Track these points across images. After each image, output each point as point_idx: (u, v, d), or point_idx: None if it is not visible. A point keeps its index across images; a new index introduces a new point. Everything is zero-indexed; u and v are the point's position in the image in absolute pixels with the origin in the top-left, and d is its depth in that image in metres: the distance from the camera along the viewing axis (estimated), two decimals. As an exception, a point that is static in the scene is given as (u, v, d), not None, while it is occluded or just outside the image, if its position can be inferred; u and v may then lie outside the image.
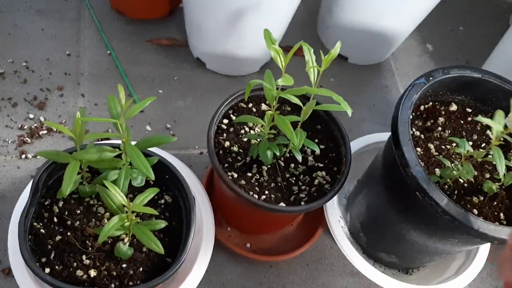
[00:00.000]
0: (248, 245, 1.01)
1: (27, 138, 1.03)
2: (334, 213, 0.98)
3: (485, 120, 0.71)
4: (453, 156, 0.84)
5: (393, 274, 1.03)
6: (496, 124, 0.72)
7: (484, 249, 0.99)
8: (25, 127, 1.05)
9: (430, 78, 0.85)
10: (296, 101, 0.72)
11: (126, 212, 0.66)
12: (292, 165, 0.87)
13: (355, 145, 1.08)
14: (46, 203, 0.75)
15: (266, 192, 0.83)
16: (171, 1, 1.26)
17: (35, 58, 1.16)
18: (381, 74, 1.35)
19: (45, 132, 1.05)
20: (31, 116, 1.06)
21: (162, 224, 0.70)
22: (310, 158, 0.88)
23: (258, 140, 0.84)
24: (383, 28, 1.22)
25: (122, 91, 0.62)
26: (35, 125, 1.05)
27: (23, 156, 1.01)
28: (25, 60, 1.15)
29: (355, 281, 1.03)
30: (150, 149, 0.84)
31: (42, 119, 1.06)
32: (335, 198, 1.07)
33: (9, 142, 1.03)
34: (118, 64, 1.18)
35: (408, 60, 1.40)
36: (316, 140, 0.90)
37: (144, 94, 1.16)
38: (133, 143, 0.69)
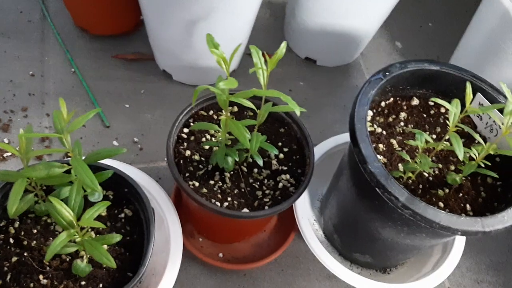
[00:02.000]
0: (221, 254, 1.00)
1: (-9, 161, 1.02)
2: (305, 216, 0.97)
3: (442, 102, 0.71)
4: (416, 150, 0.83)
5: (371, 275, 1.02)
6: (454, 107, 0.72)
7: (460, 242, 0.98)
8: (-11, 150, 1.04)
9: (387, 74, 0.84)
10: (248, 104, 0.71)
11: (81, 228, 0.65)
12: (256, 170, 0.86)
13: (325, 146, 1.07)
14: (1, 225, 0.74)
15: (229, 199, 0.82)
16: (135, 16, 1.26)
17: (-2, 80, 1.15)
18: (351, 74, 1.35)
19: (9, 154, 1.03)
20: (-4, 140, 1.06)
21: (117, 237, 0.68)
22: (274, 161, 0.87)
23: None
24: (348, 28, 1.22)
25: (63, 104, 0.61)
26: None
27: (-13, 179, 1.00)
28: (-12, 83, 1.14)
29: (332, 284, 1.01)
30: (120, 165, 0.84)
31: (6, 141, 1.05)
32: (307, 201, 1.06)
33: (-27, 166, 1.02)
34: (83, 81, 1.17)
35: (377, 59, 1.40)
36: (280, 144, 0.89)
37: (110, 110, 1.15)
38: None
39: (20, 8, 1.28)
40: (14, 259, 0.71)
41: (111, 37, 1.27)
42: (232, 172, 0.84)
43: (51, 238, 0.74)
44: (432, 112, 0.90)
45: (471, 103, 0.73)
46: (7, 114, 1.10)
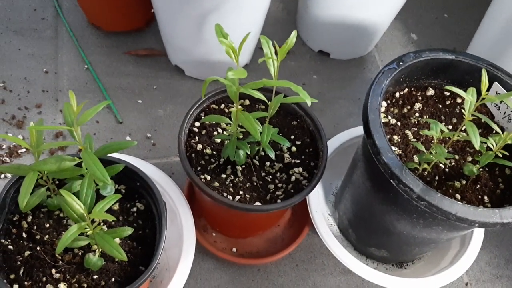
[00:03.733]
0: (235, 249, 0.99)
1: (5, 158, 1.03)
2: (319, 210, 0.96)
3: (457, 90, 0.70)
4: (432, 141, 0.82)
5: (387, 269, 1.00)
6: (469, 96, 0.70)
7: (478, 235, 0.96)
8: (4, 146, 1.05)
9: (401, 63, 0.82)
10: (259, 95, 0.70)
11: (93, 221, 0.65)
12: (268, 163, 0.85)
13: (339, 139, 1.06)
14: (14, 219, 0.74)
15: (241, 192, 0.81)
16: (147, 12, 1.26)
17: (12, 78, 1.16)
18: (365, 67, 1.33)
19: (23, 150, 1.04)
20: (10, 135, 1.06)
21: (129, 231, 0.68)
22: (287, 155, 0.86)
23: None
24: (361, 20, 1.20)
25: (73, 97, 0.61)
26: (14, 144, 1.05)
27: (3, 175, 1.01)
28: (3, 81, 1.15)
29: (347, 279, 1.00)
30: (133, 160, 0.85)
31: (20, 137, 1.06)
32: (322, 195, 1.05)
33: (-12, 162, 1.03)
34: (96, 77, 1.18)
35: (392, 51, 1.38)
36: (292, 137, 0.88)
37: (123, 106, 1.15)
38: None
39: (34, 6, 1.29)
40: (27, 253, 0.71)
41: (123, 33, 1.27)
42: (244, 166, 0.83)
43: (63, 232, 0.73)
44: (448, 102, 0.88)
45: (487, 91, 0.71)
46: (21, 111, 1.11)
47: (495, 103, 0.85)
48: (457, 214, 0.68)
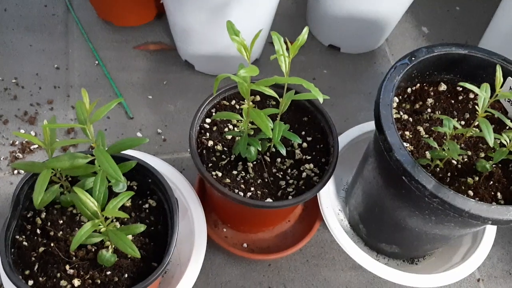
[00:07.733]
0: (245, 244, 1.00)
1: (18, 154, 1.04)
2: (330, 206, 0.96)
3: (470, 87, 0.69)
4: (444, 137, 0.81)
5: (398, 265, 1.00)
6: (483, 92, 0.69)
7: (490, 231, 0.95)
8: (17, 142, 1.06)
9: (413, 58, 0.82)
10: (270, 92, 0.70)
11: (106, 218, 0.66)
12: (279, 159, 0.85)
13: (350, 134, 1.05)
14: (28, 215, 0.75)
15: (252, 188, 0.81)
16: (156, 6, 1.25)
17: (24, 74, 1.16)
18: (376, 61, 1.32)
19: (36, 146, 1.05)
20: (22, 131, 1.07)
21: (141, 228, 0.68)
22: (297, 151, 0.86)
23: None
24: (373, 14, 1.19)
25: (85, 95, 0.62)
26: (27, 140, 1.06)
27: (16, 171, 1.02)
28: (15, 77, 1.16)
29: (358, 274, 1.00)
30: (144, 156, 0.85)
31: (33, 133, 1.07)
32: (332, 190, 1.05)
33: (1, 158, 1.04)
34: (107, 73, 1.18)
35: (403, 45, 1.36)
36: (303, 133, 0.88)
37: (134, 101, 1.15)
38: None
39: (44, 2, 1.30)
40: (41, 249, 0.72)
41: (133, 28, 1.27)
42: (255, 162, 0.83)
43: (76, 228, 0.74)
44: (460, 97, 0.87)
45: (501, 87, 0.70)
46: (33, 107, 1.11)
47: (508, 99, 0.84)
48: (470, 211, 0.68)
